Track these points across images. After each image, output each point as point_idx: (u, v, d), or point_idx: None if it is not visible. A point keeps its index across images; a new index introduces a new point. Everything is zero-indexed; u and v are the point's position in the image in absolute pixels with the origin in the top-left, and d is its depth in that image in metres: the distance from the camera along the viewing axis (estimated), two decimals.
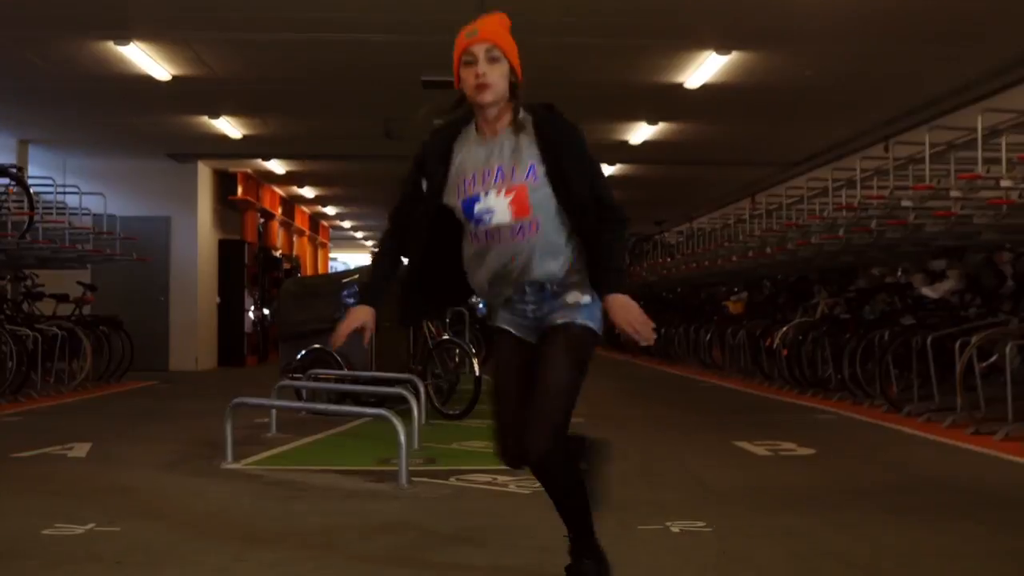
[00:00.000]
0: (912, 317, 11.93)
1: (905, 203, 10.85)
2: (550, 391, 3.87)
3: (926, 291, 11.96)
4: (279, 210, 25.88)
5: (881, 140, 15.32)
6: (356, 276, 12.46)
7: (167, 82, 13.35)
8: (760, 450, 8.56)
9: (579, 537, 4.12)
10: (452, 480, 7.05)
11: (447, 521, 5.72)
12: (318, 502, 6.34)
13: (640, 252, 26.98)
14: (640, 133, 17.15)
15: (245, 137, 17.57)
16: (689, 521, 5.65)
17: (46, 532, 5.36)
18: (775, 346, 14.52)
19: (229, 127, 16.80)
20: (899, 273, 13.62)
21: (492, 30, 3.87)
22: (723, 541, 5.22)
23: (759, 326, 15.95)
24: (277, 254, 25.37)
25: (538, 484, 6.80)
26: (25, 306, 15.13)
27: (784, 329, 14.38)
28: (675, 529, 5.47)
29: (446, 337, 12.19)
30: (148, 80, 13.20)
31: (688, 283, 23.51)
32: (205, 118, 16.19)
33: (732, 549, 5.05)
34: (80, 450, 8.53)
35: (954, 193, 10.20)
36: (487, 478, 7.12)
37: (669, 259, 23.26)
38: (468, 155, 3.92)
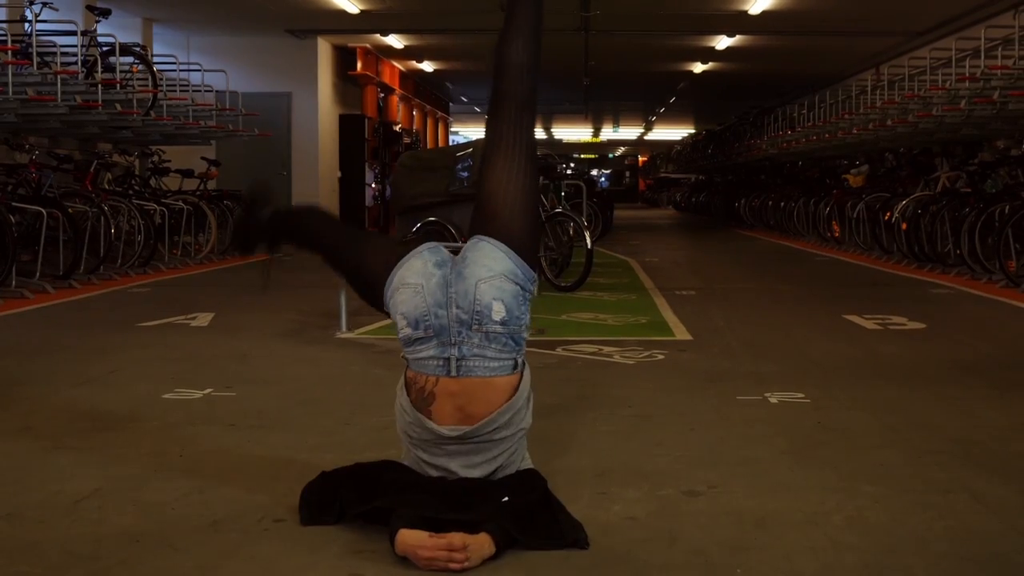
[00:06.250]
0: None
1: None
2: None
3: None
4: (399, 85, 26.00)
5: (1009, 8, 14.81)
6: (470, 149, 12.53)
7: None
8: (869, 324, 8.54)
9: None
10: (559, 350, 7.20)
11: (548, 389, 5.85)
12: None
13: (761, 124, 26.59)
14: (760, 3, 16.81)
15: (362, 12, 17.65)
16: (788, 392, 5.72)
17: (166, 396, 5.64)
18: (894, 220, 14.33)
19: (346, 1, 16.89)
20: (1023, 146, 13.29)
21: None
22: (819, 412, 5.29)
23: (879, 200, 15.72)
24: (397, 128, 25.55)
25: (643, 355, 6.96)
26: (152, 181, 15.58)
27: (903, 203, 14.16)
28: (773, 400, 5.55)
29: (559, 210, 12.26)
30: None
31: (809, 156, 23.17)
32: None
33: (827, 420, 5.11)
34: (203, 320, 8.86)
35: None
36: (593, 348, 7.26)
37: (790, 131, 22.91)
38: None
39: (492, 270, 3.56)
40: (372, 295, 3.77)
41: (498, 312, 3.52)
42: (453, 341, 3.51)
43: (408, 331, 3.57)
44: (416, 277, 3.58)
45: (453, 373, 3.51)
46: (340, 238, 4.01)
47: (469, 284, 3.53)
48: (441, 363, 3.52)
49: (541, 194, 12.21)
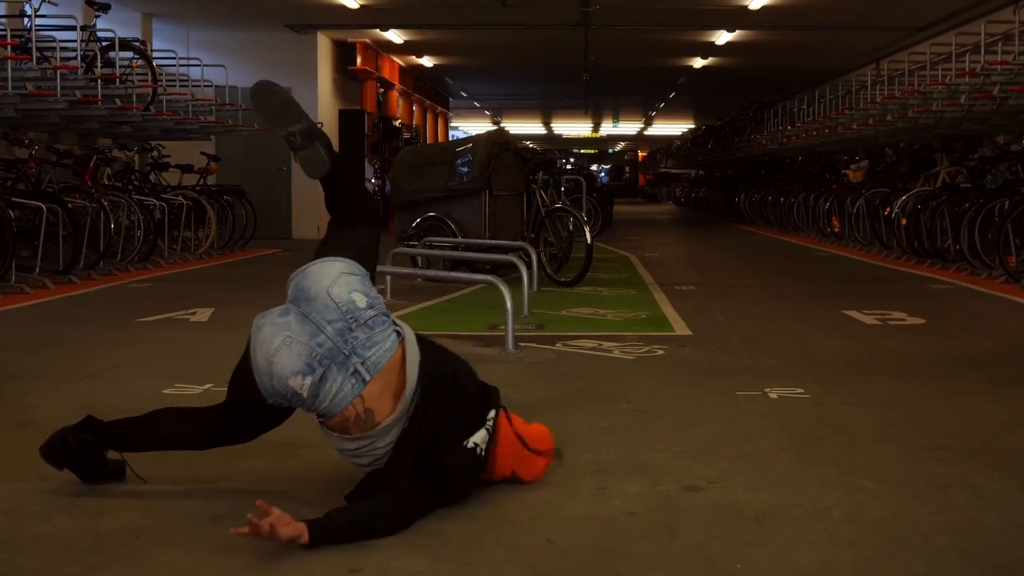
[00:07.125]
0: None
1: None
2: None
3: None
4: (398, 80, 25.97)
5: (1009, 3, 14.79)
6: (470, 145, 12.54)
7: None
8: (869, 319, 8.54)
9: None
10: (558, 345, 7.19)
11: (548, 385, 5.87)
12: None
13: (760, 120, 26.57)
14: None
15: (362, 7, 17.62)
16: (788, 388, 5.72)
17: (166, 391, 5.65)
18: (893, 215, 14.33)
19: None
20: (1023, 141, 13.27)
21: None
22: (819, 407, 5.29)
23: (879, 195, 15.72)
24: (397, 123, 25.52)
25: (643, 350, 6.95)
26: (152, 176, 15.57)
27: (903, 198, 14.16)
28: (773, 395, 5.55)
29: (559, 205, 12.26)
30: None
31: (808, 151, 23.15)
32: None
33: (827, 415, 5.12)
34: (202, 315, 8.85)
35: None
36: (592, 344, 7.25)
37: (790, 127, 22.89)
38: None
39: (331, 275, 3.72)
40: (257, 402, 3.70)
41: (361, 300, 3.66)
42: (347, 352, 3.58)
43: (308, 381, 3.56)
44: (278, 337, 3.61)
45: (368, 376, 3.58)
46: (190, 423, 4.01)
47: (322, 298, 3.65)
48: (354, 380, 3.58)
49: (541, 189, 12.22)
